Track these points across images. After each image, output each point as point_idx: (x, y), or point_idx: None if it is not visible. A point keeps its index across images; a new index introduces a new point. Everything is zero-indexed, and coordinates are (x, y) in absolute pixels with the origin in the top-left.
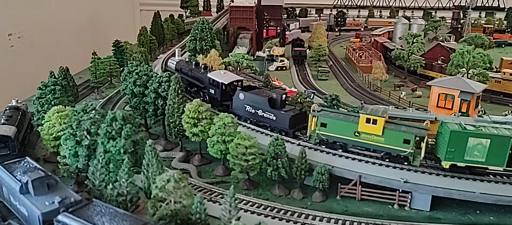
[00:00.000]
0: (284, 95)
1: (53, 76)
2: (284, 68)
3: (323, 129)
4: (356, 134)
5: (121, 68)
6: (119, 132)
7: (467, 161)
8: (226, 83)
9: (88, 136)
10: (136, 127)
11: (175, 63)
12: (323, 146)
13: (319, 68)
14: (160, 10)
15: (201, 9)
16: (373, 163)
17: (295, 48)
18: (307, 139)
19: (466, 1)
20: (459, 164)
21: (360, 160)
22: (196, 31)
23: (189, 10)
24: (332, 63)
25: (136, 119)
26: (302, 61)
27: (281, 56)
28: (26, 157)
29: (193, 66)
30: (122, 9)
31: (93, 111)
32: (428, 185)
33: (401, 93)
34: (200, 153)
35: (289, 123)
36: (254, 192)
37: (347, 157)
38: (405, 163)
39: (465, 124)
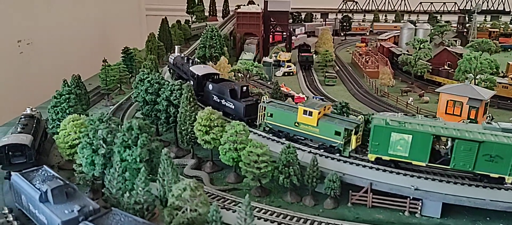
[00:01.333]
0: (244, 88)
1: (66, 85)
2: (291, 73)
3: (270, 119)
4: (296, 124)
5: (130, 75)
6: (135, 141)
7: (391, 155)
8: (200, 75)
9: (104, 145)
10: (152, 136)
11: (173, 58)
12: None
13: (326, 74)
14: (166, 15)
15: (206, 14)
16: (384, 170)
17: (302, 54)
18: (257, 127)
19: (471, 5)
20: (383, 158)
21: (371, 167)
22: (206, 38)
23: (195, 16)
24: (338, 68)
25: (151, 128)
26: (309, 66)
27: (287, 61)
28: (44, 166)
29: (185, 61)
30: (128, 14)
31: (109, 120)
32: (438, 192)
33: (409, 99)
34: (211, 160)
35: (243, 112)
36: (266, 199)
37: (358, 164)
38: (337, 154)
39: (392, 120)
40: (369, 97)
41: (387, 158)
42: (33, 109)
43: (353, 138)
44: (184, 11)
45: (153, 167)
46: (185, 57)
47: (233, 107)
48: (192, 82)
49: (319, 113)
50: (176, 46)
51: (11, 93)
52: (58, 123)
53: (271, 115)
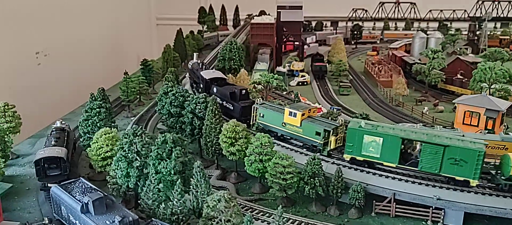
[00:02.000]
0: (243, 91)
1: (94, 98)
2: (305, 83)
3: (261, 119)
4: (283, 124)
5: (149, 86)
6: (169, 153)
7: (364, 155)
8: (208, 78)
9: (138, 158)
10: (185, 149)
11: (191, 64)
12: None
13: (341, 84)
14: (176, 24)
15: (217, 23)
16: (406, 181)
17: (315, 63)
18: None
19: (481, 13)
20: (357, 158)
21: (393, 178)
22: (225, 51)
23: (206, 25)
24: (352, 77)
25: (184, 142)
26: (323, 76)
27: (301, 71)
28: (81, 178)
29: (199, 67)
30: (139, 24)
31: (143, 134)
32: (460, 202)
33: (424, 108)
34: (236, 170)
35: (240, 112)
36: (292, 209)
37: (381, 175)
38: (318, 153)
39: (366, 124)
40: (384, 107)
41: (361, 158)
42: (62, 122)
43: (332, 138)
44: (193, 20)
45: (186, 179)
46: (200, 63)
47: (232, 108)
48: (201, 85)
49: (302, 115)
50: (194, 53)
51: (33, 105)
52: (89, 136)
53: (263, 116)
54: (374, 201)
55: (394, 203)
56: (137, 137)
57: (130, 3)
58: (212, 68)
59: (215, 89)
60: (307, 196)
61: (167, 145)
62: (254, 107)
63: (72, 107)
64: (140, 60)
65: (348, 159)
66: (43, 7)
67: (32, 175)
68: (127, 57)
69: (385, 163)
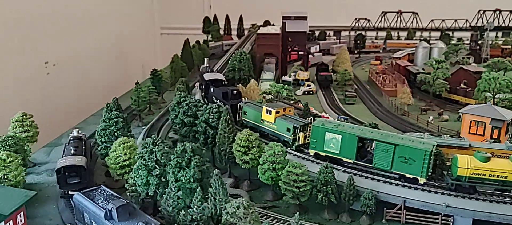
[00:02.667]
0: (235, 91)
1: (110, 109)
2: (311, 92)
3: (244, 116)
4: (261, 121)
5: (159, 96)
6: (188, 162)
7: (326, 151)
8: (207, 79)
9: (157, 166)
10: (203, 158)
11: (201, 68)
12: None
13: (346, 93)
14: (180, 34)
15: (221, 33)
16: (416, 189)
17: (321, 73)
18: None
19: (482, 22)
20: (321, 153)
21: (403, 186)
22: (235, 61)
23: (211, 35)
24: (357, 87)
25: (202, 151)
26: (328, 85)
27: (306, 80)
28: (102, 185)
29: (206, 70)
30: (144, 34)
31: (162, 143)
32: (469, 209)
33: (429, 117)
34: (249, 178)
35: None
36: (305, 216)
37: (391, 183)
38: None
39: (328, 122)
40: (390, 116)
41: (323, 154)
42: (79, 131)
43: (301, 134)
44: (197, 30)
45: (204, 187)
46: (208, 67)
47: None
48: (203, 86)
49: (276, 112)
50: (205, 59)
51: (44, 114)
52: (107, 145)
53: (245, 113)
54: (384, 208)
55: (404, 210)
56: (156, 146)
57: (134, 13)
58: (212, 68)
59: (212, 89)
60: (319, 204)
61: (187, 154)
62: (239, 105)
63: (81, 116)
64: (144, 69)
65: (312, 154)
66: (52, 19)
67: (50, 183)
68: (132, 67)
69: (344, 159)
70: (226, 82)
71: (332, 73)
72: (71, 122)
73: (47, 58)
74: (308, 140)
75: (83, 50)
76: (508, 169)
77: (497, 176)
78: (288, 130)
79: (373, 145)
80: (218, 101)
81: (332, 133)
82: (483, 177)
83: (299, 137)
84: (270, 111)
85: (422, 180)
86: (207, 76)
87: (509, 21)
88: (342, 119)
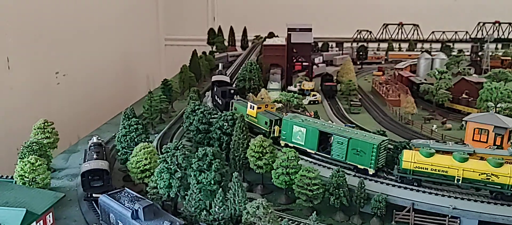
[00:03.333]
0: (232, 91)
1: (128, 116)
2: (316, 102)
3: (235, 111)
4: (246, 115)
5: (170, 105)
6: (209, 165)
7: (293, 142)
8: (212, 80)
9: (178, 169)
10: (222, 161)
11: (216, 72)
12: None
13: (351, 102)
14: (183, 45)
15: (226, 44)
16: (424, 192)
17: (326, 83)
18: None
19: (482, 34)
20: (289, 144)
21: (411, 189)
22: (245, 72)
23: (215, 46)
24: (361, 96)
25: (222, 155)
26: (333, 95)
27: (311, 90)
28: (125, 188)
29: (221, 73)
30: (149, 45)
31: (183, 148)
32: (475, 211)
33: (432, 126)
34: (262, 183)
35: (223, 106)
36: (318, 218)
37: (400, 187)
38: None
39: (296, 117)
40: (394, 124)
41: (291, 145)
42: (98, 138)
43: (276, 127)
44: (200, 41)
45: (223, 189)
46: (221, 71)
47: (220, 103)
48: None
49: (258, 108)
50: (220, 64)
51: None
52: (126, 151)
53: (235, 109)
54: (394, 211)
55: (413, 212)
56: (178, 150)
57: (140, 25)
58: (224, 71)
59: (215, 89)
60: (331, 206)
61: (208, 158)
62: (231, 102)
63: (90, 124)
64: (149, 79)
65: (283, 145)
66: (61, 31)
67: (71, 187)
68: (138, 77)
69: (308, 149)
70: (229, 82)
71: (336, 84)
72: (81, 129)
73: (57, 68)
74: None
75: (91, 61)
76: (448, 164)
77: (439, 171)
78: (266, 123)
79: (332, 138)
80: (218, 99)
81: (299, 126)
82: (426, 170)
83: (274, 129)
84: (253, 106)
85: (371, 171)
86: (214, 77)
87: (509, 33)
88: (350, 127)
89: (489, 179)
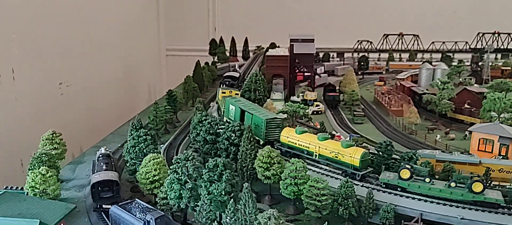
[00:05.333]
0: (227, 82)
1: (135, 127)
2: (319, 112)
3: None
4: (218, 99)
5: (175, 115)
6: (220, 176)
7: (228, 118)
8: (223, 76)
9: (189, 180)
10: (233, 172)
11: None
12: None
13: (354, 112)
14: (185, 55)
15: (227, 54)
16: (432, 202)
17: (328, 93)
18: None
19: (481, 44)
20: (227, 119)
21: (419, 199)
22: (250, 82)
23: (217, 56)
24: (364, 107)
25: (232, 165)
26: (336, 105)
27: (314, 100)
28: (136, 199)
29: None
30: (150, 55)
31: (194, 159)
32: (483, 221)
33: (436, 136)
34: (269, 194)
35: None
36: None
37: (408, 197)
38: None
39: (231, 98)
40: (398, 134)
41: (228, 119)
42: (106, 149)
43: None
44: (201, 51)
45: (234, 200)
46: (234, 67)
47: None
48: None
49: (222, 93)
50: (236, 63)
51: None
52: (135, 162)
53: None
54: (402, 221)
55: (422, 223)
56: (189, 161)
57: (141, 35)
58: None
59: (221, 81)
60: (340, 217)
61: (218, 168)
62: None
63: (94, 134)
64: (151, 90)
65: (225, 119)
66: (65, 42)
67: (79, 199)
68: (139, 87)
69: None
70: (237, 77)
71: (339, 94)
72: (84, 140)
73: (61, 79)
74: None
75: (93, 72)
76: (310, 141)
77: (303, 146)
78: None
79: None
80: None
81: (232, 105)
82: (295, 145)
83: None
84: (220, 91)
85: (261, 141)
86: (226, 74)
87: (508, 43)
88: (352, 137)
89: (337, 157)
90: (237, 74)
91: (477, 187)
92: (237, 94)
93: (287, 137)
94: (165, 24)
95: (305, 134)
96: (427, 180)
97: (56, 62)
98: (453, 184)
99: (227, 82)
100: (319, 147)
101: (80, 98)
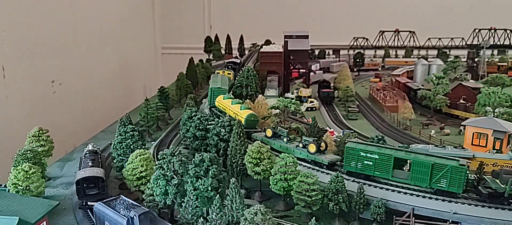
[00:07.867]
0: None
1: (124, 123)
2: (314, 108)
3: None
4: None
5: (167, 112)
6: (206, 171)
7: (213, 105)
8: (226, 62)
9: (175, 176)
10: (220, 168)
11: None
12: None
13: (349, 108)
14: (180, 54)
15: (223, 52)
16: (424, 197)
17: (323, 90)
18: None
19: (478, 40)
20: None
21: (411, 194)
22: (242, 78)
23: (212, 54)
24: (358, 103)
25: (219, 161)
26: (330, 101)
27: (309, 97)
28: (121, 195)
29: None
30: (146, 53)
31: (180, 154)
32: (475, 215)
33: (431, 131)
34: (260, 190)
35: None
36: (317, 224)
37: (399, 192)
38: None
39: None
40: (392, 130)
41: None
42: (94, 146)
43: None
44: (197, 49)
45: (221, 195)
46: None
47: None
48: None
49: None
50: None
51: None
52: (122, 158)
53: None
54: (394, 216)
55: (413, 218)
56: (175, 157)
57: (136, 33)
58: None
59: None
60: (330, 212)
61: (204, 164)
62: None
63: (86, 132)
64: (146, 87)
65: (211, 106)
66: (57, 39)
67: (66, 196)
68: (134, 86)
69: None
70: (238, 62)
71: (334, 90)
72: (77, 138)
73: (53, 77)
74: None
75: (87, 70)
76: (227, 105)
77: (225, 109)
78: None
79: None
80: None
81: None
82: (221, 107)
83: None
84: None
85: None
86: (229, 60)
87: (504, 39)
88: (347, 132)
89: (236, 116)
90: (238, 61)
91: (311, 148)
92: (229, 74)
93: (218, 102)
94: (160, 22)
95: (228, 99)
96: (285, 140)
97: (48, 60)
98: (300, 145)
99: (230, 66)
100: (229, 110)
101: (74, 96)
